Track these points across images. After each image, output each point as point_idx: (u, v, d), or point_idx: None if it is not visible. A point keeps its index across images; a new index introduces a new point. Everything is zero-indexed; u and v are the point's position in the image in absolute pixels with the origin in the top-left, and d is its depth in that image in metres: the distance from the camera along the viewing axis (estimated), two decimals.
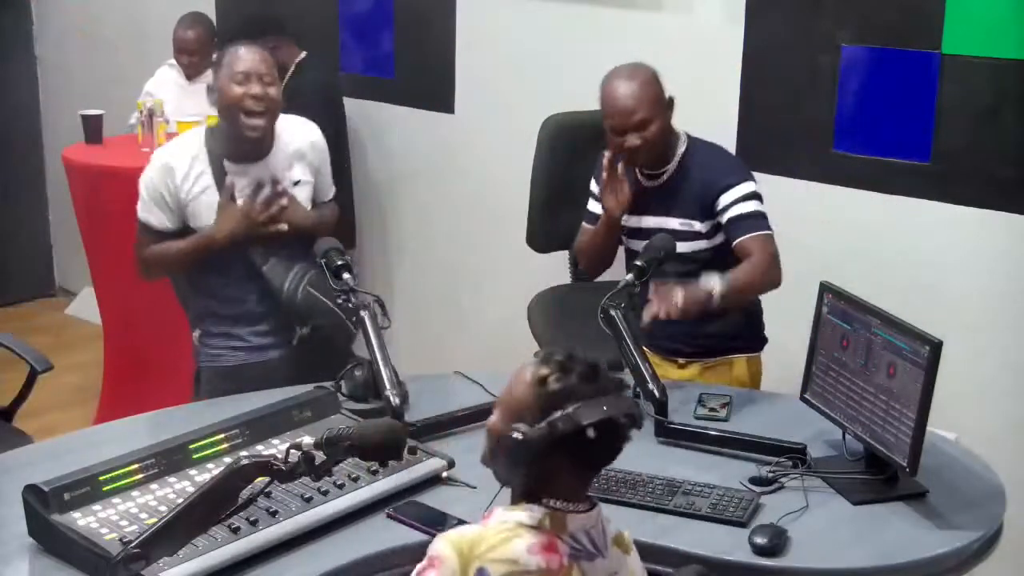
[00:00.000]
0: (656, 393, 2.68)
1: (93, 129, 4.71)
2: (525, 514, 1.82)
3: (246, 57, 3.12)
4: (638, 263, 2.89)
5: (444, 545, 1.78)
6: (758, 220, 2.95)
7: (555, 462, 1.80)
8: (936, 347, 2.32)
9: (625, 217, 3.08)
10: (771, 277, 2.96)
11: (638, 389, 2.79)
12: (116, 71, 5.66)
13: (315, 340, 3.16)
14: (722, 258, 2.97)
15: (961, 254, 3.46)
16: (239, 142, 3.15)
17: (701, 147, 3.07)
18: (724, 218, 2.97)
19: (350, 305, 2.83)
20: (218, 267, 3.18)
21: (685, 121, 3.08)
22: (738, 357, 3.13)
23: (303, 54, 4.48)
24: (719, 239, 3.01)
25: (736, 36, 3.78)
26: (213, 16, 5.07)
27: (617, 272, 3.23)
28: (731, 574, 2.22)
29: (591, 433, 1.76)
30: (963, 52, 3.35)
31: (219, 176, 3.15)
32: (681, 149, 3.04)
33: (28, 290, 6.21)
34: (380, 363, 2.71)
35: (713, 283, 2.81)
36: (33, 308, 6.11)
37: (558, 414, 1.77)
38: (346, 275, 2.87)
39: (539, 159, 3.93)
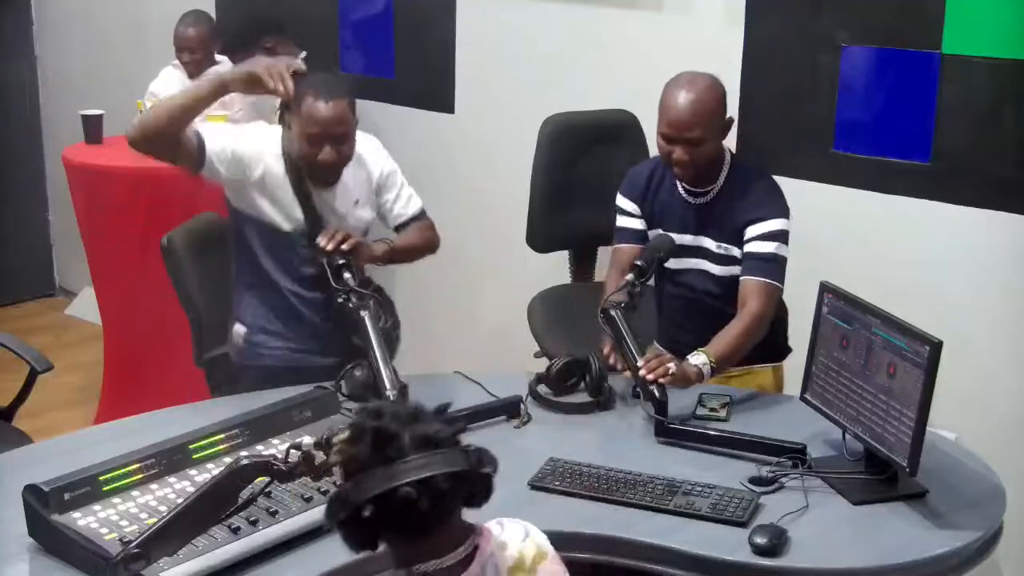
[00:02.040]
0: (656, 393, 2.68)
1: (93, 129, 4.71)
2: None
3: (323, 116, 2.90)
4: (638, 263, 2.88)
5: None
6: (771, 265, 2.88)
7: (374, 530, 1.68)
8: (936, 347, 2.32)
9: (663, 231, 3.03)
10: (756, 337, 2.89)
11: (638, 389, 2.79)
12: (116, 71, 5.66)
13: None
14: None
15: (961, 254, 3.46)
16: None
17: (745, 170, 2.99)
18: (744, 249, 2.92)
19: (350, 305, 2.82)
20: (287, 267, 3.07)
21: None
22: (763, 367, 3.07)
23: (303, 54, 4.48)
24: None
25: (736, 36, 3.78)
26: (213, 16, 5.06)
27: None
28: (731, 574, 2.22)
29: (367, 512, 1.62)
30: (963, 52, 3.35)
31: (295, 180, 3.01)
32: (725, 170, 2.96)
33: (28, 290, 6.21)
34: (380, 363, 2.71)
35: (702, 362, 2.75)
36: (33, 308, 6.10)
37: (345, 487, 1.67)
38: (346, 275, 2.87)
39: (539, 159, 3.92)
